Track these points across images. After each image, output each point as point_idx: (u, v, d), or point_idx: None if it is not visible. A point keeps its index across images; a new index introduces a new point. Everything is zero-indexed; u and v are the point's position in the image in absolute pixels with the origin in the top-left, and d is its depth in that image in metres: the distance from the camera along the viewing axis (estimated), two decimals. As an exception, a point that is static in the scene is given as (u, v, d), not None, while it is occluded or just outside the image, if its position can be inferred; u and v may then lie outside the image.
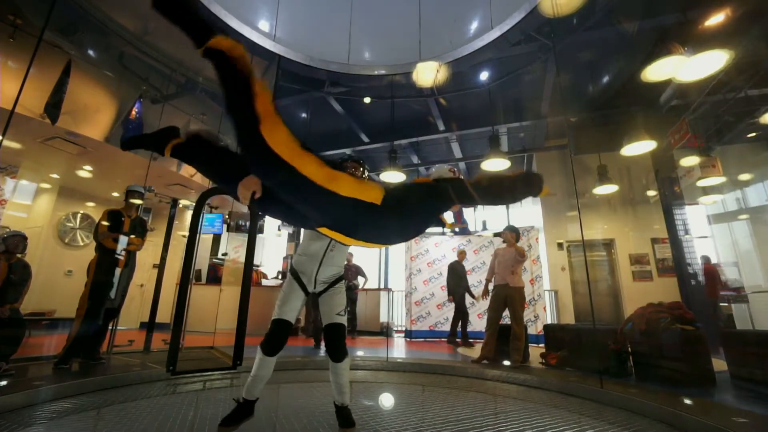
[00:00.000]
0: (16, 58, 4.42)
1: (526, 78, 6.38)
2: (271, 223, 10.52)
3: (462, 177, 1.76)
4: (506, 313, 4.67)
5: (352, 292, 8.15)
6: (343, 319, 2.22)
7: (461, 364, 4.42)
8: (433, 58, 5.61)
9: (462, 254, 7.35)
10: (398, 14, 5.85)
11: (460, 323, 6.85)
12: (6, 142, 4.82)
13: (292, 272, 2.28)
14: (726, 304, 6.79)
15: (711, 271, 6.83)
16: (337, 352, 2.18)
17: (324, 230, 1.69)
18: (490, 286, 4.87)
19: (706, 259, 6.92)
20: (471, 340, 6.68)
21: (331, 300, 2.24)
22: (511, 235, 4.73)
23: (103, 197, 7.69)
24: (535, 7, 4.63)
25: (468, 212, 10.60)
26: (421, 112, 7.56)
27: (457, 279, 6.97)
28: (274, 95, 1.40)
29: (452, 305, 7.06)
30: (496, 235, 5.07)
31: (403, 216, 1.61)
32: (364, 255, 8.76)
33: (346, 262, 8.34)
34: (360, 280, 8.28)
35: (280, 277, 9.64)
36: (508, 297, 4.54)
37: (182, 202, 7.46)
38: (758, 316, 6.47)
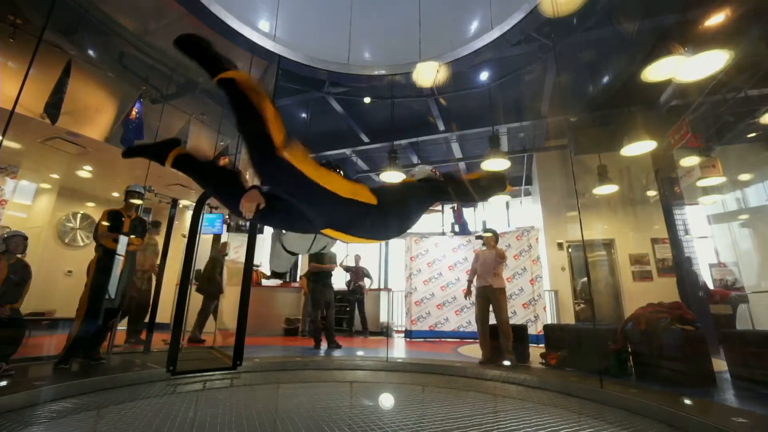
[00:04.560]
0: (16, 58, 4.41)
1: (526, 78, 6.38)
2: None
3: (443, 177, 1.98)
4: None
5: (358, 293, 8.17)
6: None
7: (461, 364, 4.42)
8: (433, 58, 5.60)
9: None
10: (398, 14, 5.83)
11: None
12: (6, 142, 4.81)
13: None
14: (718, 305, 6.77)
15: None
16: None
17: (328, 231, 1.80)
18: (473, 287, 4.94)
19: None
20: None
21: None
22: (491, 237, 4.85)
23: (103, 197, 7.68)
24: (535, 7, 4.62)
25: (468, 212, 10.60)
26: (421, 112, 7.56)
27: None
28: (280, 116, 1.51)
29: (452, 305, 7.02)
30: (477, 237, 5.22)
31: (401, 214, 1.82)
32: (364, 255, 8.76)
33: (354, 264, 8.40)
34: (366, 281, 8.30)
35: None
36: (490, 297, 4.64)
37: (182, 202, 7.44)
38: (758, 316, 6.46)
